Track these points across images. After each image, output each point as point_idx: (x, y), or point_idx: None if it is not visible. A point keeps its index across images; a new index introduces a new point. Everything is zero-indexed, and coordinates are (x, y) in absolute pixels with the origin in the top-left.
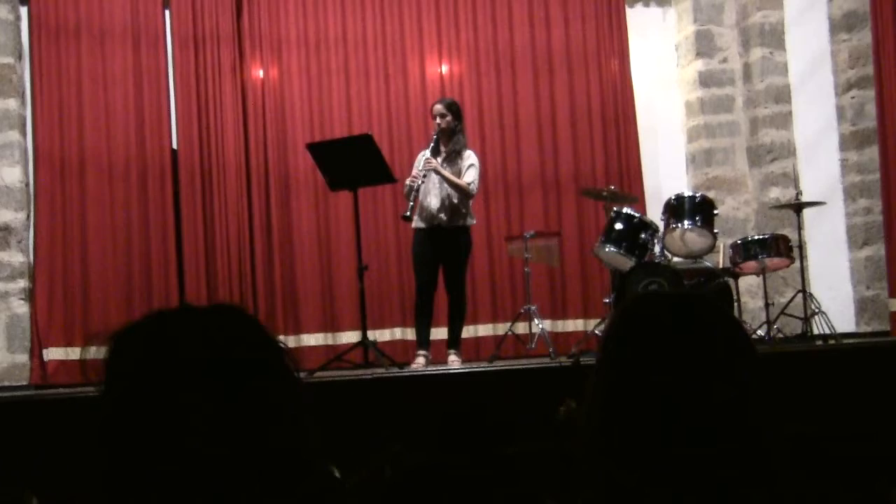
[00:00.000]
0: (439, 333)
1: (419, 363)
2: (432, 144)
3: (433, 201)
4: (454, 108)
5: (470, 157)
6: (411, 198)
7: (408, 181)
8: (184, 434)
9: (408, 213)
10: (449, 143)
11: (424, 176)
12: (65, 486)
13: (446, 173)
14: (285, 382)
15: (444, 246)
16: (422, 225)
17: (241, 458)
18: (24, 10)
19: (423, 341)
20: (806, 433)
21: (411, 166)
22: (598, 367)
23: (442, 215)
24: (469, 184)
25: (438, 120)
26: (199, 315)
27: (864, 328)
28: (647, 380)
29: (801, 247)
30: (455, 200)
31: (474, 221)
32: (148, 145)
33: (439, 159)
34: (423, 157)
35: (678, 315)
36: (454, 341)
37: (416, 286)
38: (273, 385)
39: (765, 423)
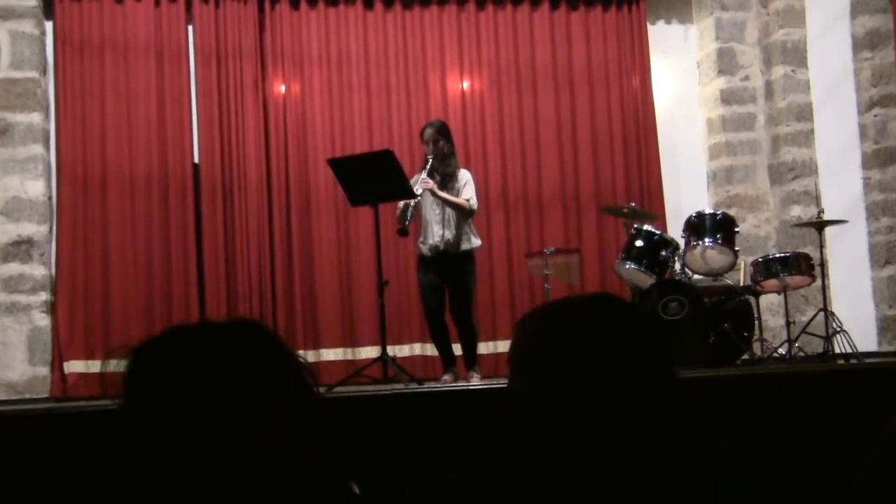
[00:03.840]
0: (458, 349)
1: (446, 380)
2: (428, 168)
3: (436, 228)
4: (445, 132)
5: (465, 176)
6: (408, 214)
7: (401, 203)
8: (202, 449)
9: (404, 227)
10: (442, 166)
11: (420, 194)
12: (84, 500)
13: (443, 194)
14: (304, 398)
15: (449, 274)
16: (427, 253)
17: (260, 474)
18: (49, 25)
19: (448, 359)
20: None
21: None
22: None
23: (447, 240)
24: (468, 200)
25: (432, 146)
26: (218, 330)
27: (887, 347)
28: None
29: (822, 265)
30: (456, 225)
31: (479, 243)
32: (170, 160)
33: (435, 183)
34: (420, 179)
35: (579, 318)
36: (471, 362)
37: (424, 312)
38: (292, 400)
39: (674, 426)
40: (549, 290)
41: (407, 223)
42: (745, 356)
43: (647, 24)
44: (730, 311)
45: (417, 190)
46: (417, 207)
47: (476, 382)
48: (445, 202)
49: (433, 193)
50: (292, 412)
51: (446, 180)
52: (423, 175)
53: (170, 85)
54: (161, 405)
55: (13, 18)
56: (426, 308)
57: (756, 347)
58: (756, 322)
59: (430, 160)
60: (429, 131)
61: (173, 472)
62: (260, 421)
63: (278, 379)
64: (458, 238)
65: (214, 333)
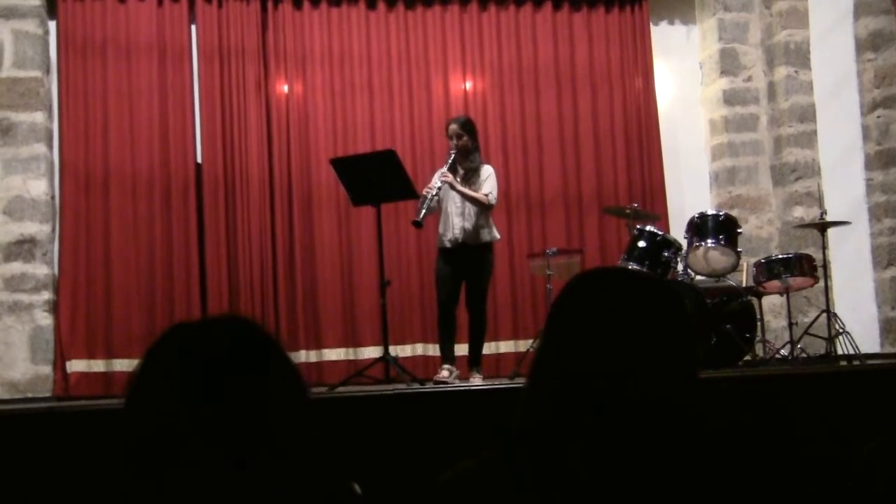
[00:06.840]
0: (460, 350)
1: (443, 375)
2: (450, 162)
3: (456, 221)
4: (469, 127)
5: (487, 171)
6: (424, 206)
7: (424, 191)
8: (199, 448)
9: (419, 220)
10: (465, 161)
11: (439, 188)
12: (86, 498)
13: (461, 188)
14: (300, 395)
15: (467, 264)
16: (447, 245)
17: (256, 471)
18: (52, 25)
19: (448, 356)
20: (831, 455)
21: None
22: (542, 337)
23: (467, 234)
24: (487, 195)
25: (455, 140)
26: (209, 326)
27: (889, 349)
28: (577, 352)
29: (825, 266)
30: (476, 217)
31: (498, 236)
32: (172, 159)
33: (458, 178)
34: (440, 172)
35: (613, 290)
36: (475, 361)
37: (437, 303)
38: (289, 398)
39: (691, 400)
40: (551, 291)
41: (422, 216)
42: (748, 357)
43: (650, 24)
44: (732, 312)
45: (436, 182)
46: (440, 200)
47: (478, 383)
48: (464, 196)
49: (452, 187)
50: (290, 411)
51: (470, 175)
52: (444, 169)
53: (172, 84)
54: (156, 404)
55: (16, 18)
56: (439, 299)
57: (758, 349)
58: (758, 323)
59: (453, 154)
60: (453, 126)
61: (172, 472)
62: (258, 419)
63: (274, 376)
64: (476, 230)
65: (203, 330)
